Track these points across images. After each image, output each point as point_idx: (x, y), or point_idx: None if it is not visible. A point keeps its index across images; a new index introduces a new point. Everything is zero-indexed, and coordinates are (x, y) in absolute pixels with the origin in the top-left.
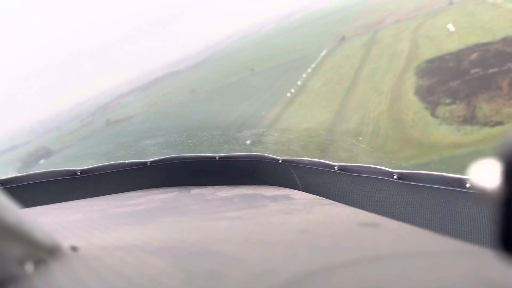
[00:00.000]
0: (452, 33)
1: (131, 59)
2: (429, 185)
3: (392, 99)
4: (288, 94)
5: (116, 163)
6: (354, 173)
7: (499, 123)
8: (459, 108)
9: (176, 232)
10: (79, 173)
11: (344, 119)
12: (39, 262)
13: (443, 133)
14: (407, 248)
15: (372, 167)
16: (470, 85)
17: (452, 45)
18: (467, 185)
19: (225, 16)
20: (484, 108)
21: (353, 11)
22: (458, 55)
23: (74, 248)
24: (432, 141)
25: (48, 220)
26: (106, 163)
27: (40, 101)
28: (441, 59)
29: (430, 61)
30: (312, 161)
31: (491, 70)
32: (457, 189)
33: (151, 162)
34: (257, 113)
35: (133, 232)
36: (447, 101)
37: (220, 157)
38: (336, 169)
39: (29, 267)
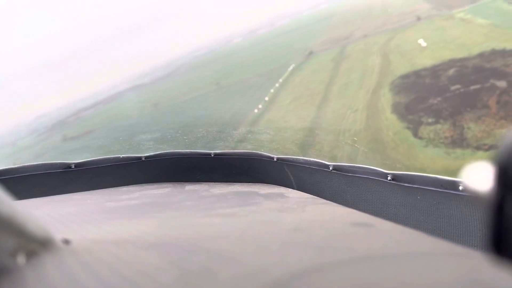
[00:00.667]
0: (424, 48)
1: (95, 71)
2: (422, 187)
3: (368, 117)
4: (256, 110)
5: (111, 157)
6: (348, 173)
7: (494, 147)
8: (444, 128)
9: (170, 228)
10: (73, 166)
11: (317, 139)
12: (31, 254)
13: (431, 156)
14: (399, 249)
15: (366, 167)
16: (452, 102)
17: (425, 61)
18: (460, 188)
19: (191, 30)
20: (474, 129)
21: (319, 26)
22: (434, 71)
23: (66, 241)
24: (419, 166)
25: (41, 213)
26: (101, 157)
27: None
28: (416, 74)
29: (405, 76)
30: (307, 160)
31: (473, 87)
32: (450, 191)
33: (146, 157)
34: (222, 130)
35: (126, 227)
36: (430, 120)
37: (215, 154)
38: (330, 168)
39: (20, 259)
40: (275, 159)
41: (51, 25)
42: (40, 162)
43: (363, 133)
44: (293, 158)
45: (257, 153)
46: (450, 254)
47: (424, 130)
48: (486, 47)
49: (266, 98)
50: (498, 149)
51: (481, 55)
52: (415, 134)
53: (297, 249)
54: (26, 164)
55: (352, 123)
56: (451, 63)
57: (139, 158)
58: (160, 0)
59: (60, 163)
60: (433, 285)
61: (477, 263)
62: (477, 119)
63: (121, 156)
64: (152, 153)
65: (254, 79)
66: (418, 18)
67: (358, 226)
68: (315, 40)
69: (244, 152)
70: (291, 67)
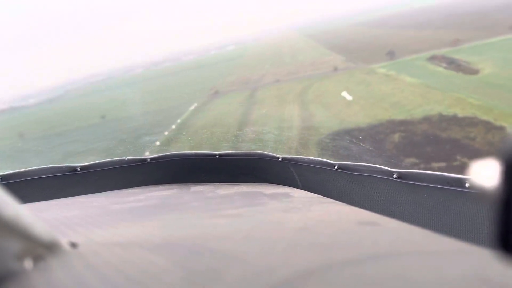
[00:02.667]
0: (350, 103)
1: None
2: (428, 185)
3: None
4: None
5: (116, 160)
6: (353, 171)
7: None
8: None
9: (175, 229)
10: (78, 169)
11: None
12: (37, 258)
13: None
14: (406, 247)
15: (372, 166)
16: None
17: (357, 118)
18: (467, 185)
19: (90, 54)
20: None
21: (226, 66)
22: (373, 133)
23: (73, 245)
24: None
25: (47, 216)
26: (106, 160)
27: None
28: (350, 134)
29: (336, 135)
30: (311, 160)
31: (436, 164)
32: (457, 188)
33: (151, 159)
34: None
35: (132, 228)
36: None
37: (220, 155)
38: (335, 167)
39: (27, 263)
40: (280, 159)
41: None
42: (46, 166)
43: None
44: (298, 158)
45: (262, 153)
46: (457, 252)
47: None
48: (430, 111)
49: (158, 143)
50: (504, 145)
51: (427, 120)
52: None
53: (303, 248)
54: (31, 168)
55: None
56: (392, 125)
57: (144, 160)
58: (57, 16)
59: (66, 166)
60: (440, 283)
61: (485, 261)
62: None
63: (126, 158)
64: (157, 155)
65: (147, 116)
66: (335, 69)
67: (365, 224)
68: (222, 80)
69: (249, 152)
70: (193, 107)
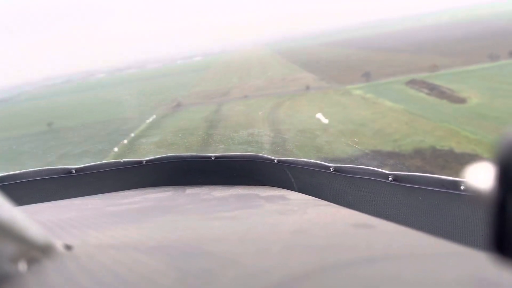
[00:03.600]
0: (327, 127)
1: None
2: (424, 187)
3: None
4: None
5: (111, 162)
6: (349, 174)
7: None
8: None
9: (171, 231)
10: (74, 171)
11: None
12: (32, 261)
13: None
14: (401, 250)
15: (367, 168)
16: None
17: (336, 146)
18: (462, 188)
19: (54, 57)
20: None
21: (193, 77)
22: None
23: (67, 247)
24: None
25: (42, 218)
26: (101, 162)
27: None
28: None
29: None
30: (307, 162)
31: None
32: (452, 191)
33: (147, 161)
34: None
35: (127, 231)
36: None
37: (216, 157)
38: (331, 170)
39: (22, 266)
40: (275, 161)
41: None
42: (40, 168)
43: None
44: (293, 160)
45: (257, 155)
46: (452, 254)
47: None
48: (421, 142)
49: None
50: (498, 147)
51: (420, 154)
52: None
53: (299, 251)
54: (26, 170)
55: None
56: (379, 157)
57: (140, 162)
58: (20, 14)
59: (61, 169)
60: (435, 285)
61: (480, 263)
62: None
63: (121, 160)
64: (152, 157)
65: (99, 126)
66: (307, 87)
67: (360, 227)
68: (186, 91)
69: (244, 155)
70: (150, 119)
